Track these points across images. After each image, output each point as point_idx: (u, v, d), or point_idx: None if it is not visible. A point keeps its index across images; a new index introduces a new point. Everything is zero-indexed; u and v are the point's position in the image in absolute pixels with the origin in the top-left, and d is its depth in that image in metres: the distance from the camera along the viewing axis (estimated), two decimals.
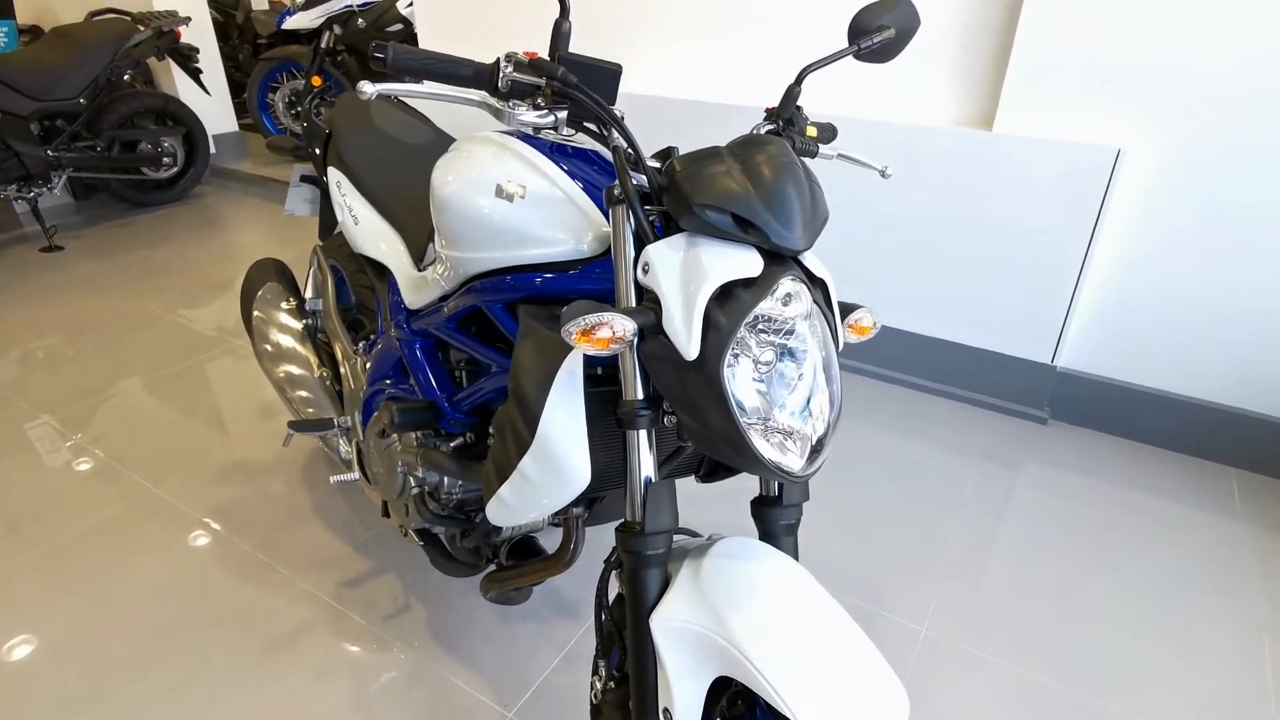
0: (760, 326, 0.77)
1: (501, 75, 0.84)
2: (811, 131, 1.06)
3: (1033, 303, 2.14)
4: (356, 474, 1.48)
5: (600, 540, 1.77)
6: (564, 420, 0.86)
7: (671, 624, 0.82)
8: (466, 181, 1.02)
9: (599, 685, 0.99)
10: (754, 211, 0.76)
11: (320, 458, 2.06)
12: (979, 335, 2.27)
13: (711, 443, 0.80)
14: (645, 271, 0.80)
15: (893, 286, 2.35)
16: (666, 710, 0.83)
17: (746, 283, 0.77)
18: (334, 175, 1.58)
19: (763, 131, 1.00)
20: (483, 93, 0.85)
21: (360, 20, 4.26)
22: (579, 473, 0.86)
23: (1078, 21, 1.86)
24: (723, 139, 2.49)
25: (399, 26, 4.45)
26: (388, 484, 1.34)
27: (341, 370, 1.59)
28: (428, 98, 0.84)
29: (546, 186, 0.98)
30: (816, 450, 0.79)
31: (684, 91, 2.58)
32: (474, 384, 1.14)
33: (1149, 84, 1.84)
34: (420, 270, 1.29)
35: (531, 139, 1.07)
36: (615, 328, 0.76)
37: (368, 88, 0.79)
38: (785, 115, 1.02)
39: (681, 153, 0.88)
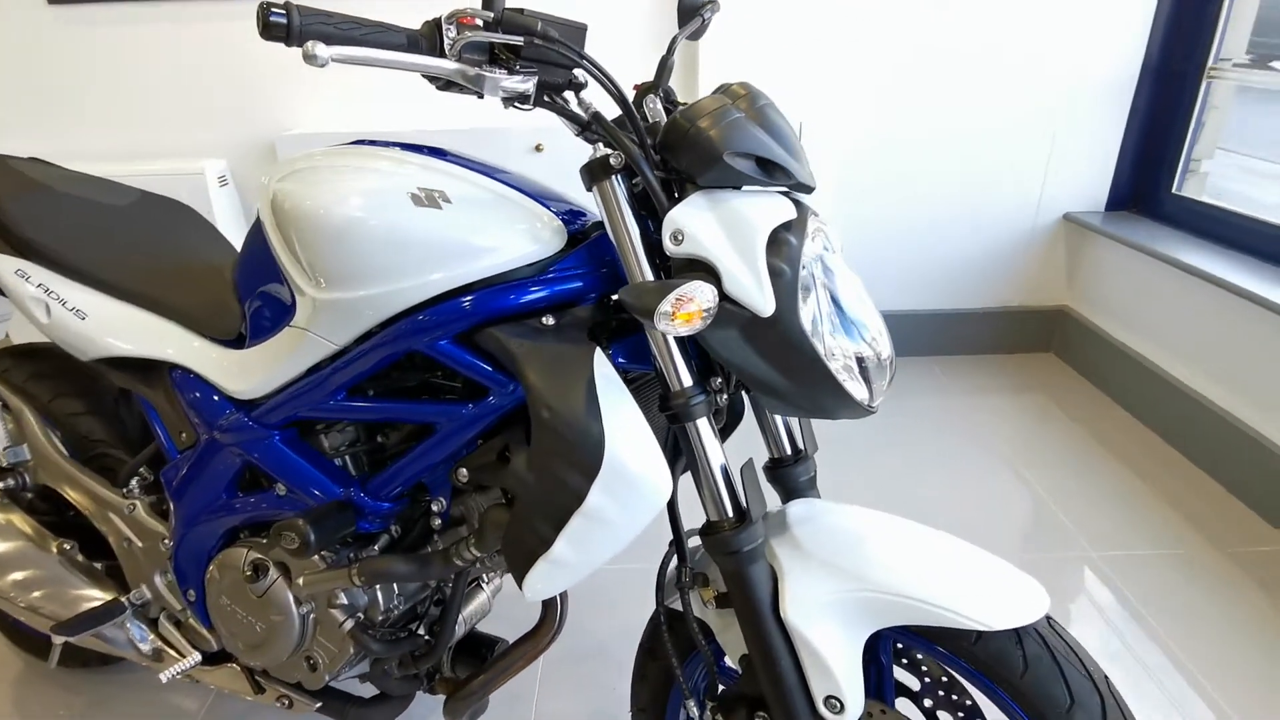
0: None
1: (448, 40, 0.67)
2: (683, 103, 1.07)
3: None
4: (196, 655, 1.04)
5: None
6: (627, 428, 0.73)
7: (812, 605, 0.76)
8: (367, 196, 0.80)
9: None
10: (777, 153, 0.74)
11: (34, 681, 1.40)
12: None
13: (789, 399, 0.75)
14: (677, 240, 0.72)
15: None
16: (832, 698, 0.76)
17: (783, 227, 0.74)
18: (7, 265, 1.09)
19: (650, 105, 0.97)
20: (447, 61, 0.66)
21: None
22: (662, 480, 0.74)
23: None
24: None
25: None
26: (276, 640, 0.98)
27: (104, 529, 1.11)
28: (387, 66, 0.63)
29: (467, 188, 0.82)
30: (882, 372, 0.79)
31: (378, 126, 2.35)
32: (403, 459, 0.89)
33: (832, 71, 2.25)
34: (249, 346, 0.96)
35: (390, 144, 0.89)
36: (700, 299, 0.67)
37: (321, 51, 0.56)
38: (663, 85, 1.00)
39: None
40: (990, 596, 0.73)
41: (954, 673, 0.84)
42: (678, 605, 0.89)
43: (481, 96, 0.75)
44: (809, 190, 0.78)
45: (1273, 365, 1.79)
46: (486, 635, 1.13)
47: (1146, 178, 2.36)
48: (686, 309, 0.66)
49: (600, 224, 0.89)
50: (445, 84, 0.71)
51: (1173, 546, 1.70)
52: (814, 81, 2.26)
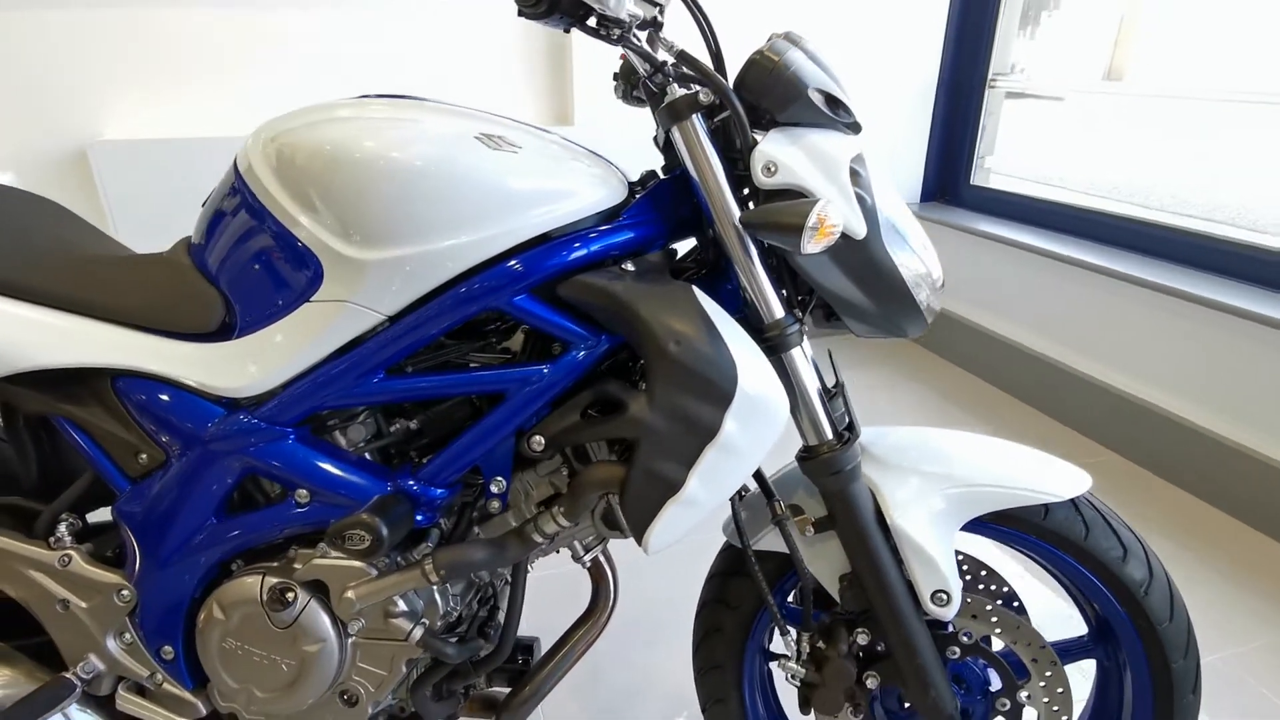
0: None
1: None
2: None
3: None
4: None
5: None
6: (748, 353, 0.74)
7: (913, 509, 0.82)
8: (436, 142, 0.73)
9: (803, 657, 0.87)
10: (840, 92, 0.80)
11: None
12: None
13: (870, 318, 0.81)
14: (769, 172, 0.75)
15: None
16: (940, 592, 0.82)
17: (853, 159, 0.80)
18: None
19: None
20: None
21: None
22: (784, 400, 0.75)
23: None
24: None
25: None
26: (311, 674, 0.83)
27: (21, 595, 0.86)
28: None
29: (527, 136, 0.79)
30: (937, 292, 0.86)
31: (199, 131, 2.08)
32: (465, 436, 0.80)
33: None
34: (241, 335, 0.82)
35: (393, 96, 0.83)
36: (835, 214, 0.70)
37: None
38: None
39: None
40: (1050, 475, 0.84)
41: (991, 565, 0.95)
42: (763, 545, 0.90)
43: (568, 30, 0.73)
44: (859, 130, 0.85)
45: (1065, 305, 2.20)
46: (520, 638, 1.04)
47: (949, 172, 2.79)
48: (827, 224, 0.69)
49: (650, 174, 0.89)
50: (546, 10, 0.68)
51: None
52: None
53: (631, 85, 0.95)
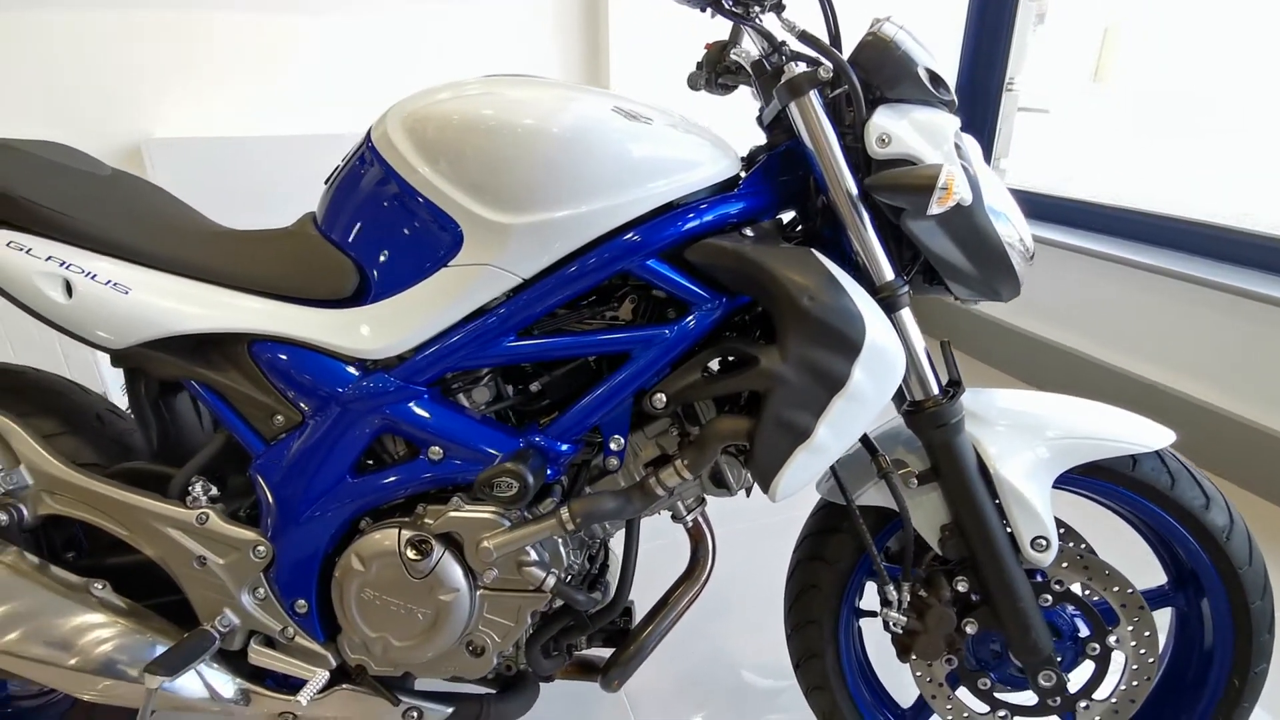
0: None
1: None
2: None
3: None
4: (323, 673, 0.87)
5: None
6: (870, 307, 0.79)
7: (1015, 459, 0.87)
8: (576, 113, 0.78)
9: (903, 606, 0.91)
10: (941, 71, 0.86)
11: None
12: None
13: (970, 281, 0.87)
14: (884, 143, 0.81)
15: None
16: (1040, 538, 0.87)
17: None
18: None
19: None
20: None
21: None
22: (900, 349, 0.80)
23: (638, 34, 2.33)
24: (301, 168, 2.22)
25: None
26: (445, 623, 0.87)
27: (158, 554, 0.90)
28: None
29: (654, 111, 0.85)
30: (1028, 260, 0.92)
31: (245, 130, 2.12)
32: (594, 393, 0.85)
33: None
34: (376, 300, 0.86)
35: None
36: (959, 177, 0.76)
37: None
38: (739, 42, 1.09)
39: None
40: (1136, 429, 0.89)
41: (1068, 522, 1.00)
42: (860, 502, 0.94)
43: (704, 10, 0.79)
44: (955, 107, 0.90)
45: (1086, 297, 2.28)
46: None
47: None
48: (953, 186, 0.74)
49: (758, 150, 0.95)
50: None
51: None
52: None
53: (716, 73, 1.01)
